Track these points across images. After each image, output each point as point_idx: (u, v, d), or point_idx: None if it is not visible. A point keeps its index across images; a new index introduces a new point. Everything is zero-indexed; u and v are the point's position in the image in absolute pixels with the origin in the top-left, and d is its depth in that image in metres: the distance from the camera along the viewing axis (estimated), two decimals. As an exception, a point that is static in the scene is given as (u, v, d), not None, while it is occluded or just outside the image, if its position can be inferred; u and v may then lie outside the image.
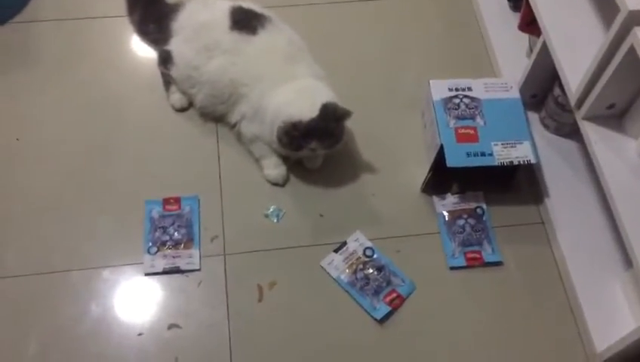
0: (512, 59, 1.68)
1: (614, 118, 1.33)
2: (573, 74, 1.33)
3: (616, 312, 1.35)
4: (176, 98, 1.62)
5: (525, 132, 1.47)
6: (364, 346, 1.35)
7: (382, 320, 1.37)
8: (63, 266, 1.41)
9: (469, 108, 1.49)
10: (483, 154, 1.43)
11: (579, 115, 1.34)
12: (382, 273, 1.42)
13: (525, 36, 1.66)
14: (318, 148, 1.43)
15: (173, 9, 1.63)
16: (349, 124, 1.48)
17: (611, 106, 1.31)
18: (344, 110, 1.42)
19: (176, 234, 1.45)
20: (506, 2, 1.79)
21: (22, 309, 1.36)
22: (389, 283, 1.41)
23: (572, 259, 1.44)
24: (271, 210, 1.49)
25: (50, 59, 1.71)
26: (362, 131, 1.61)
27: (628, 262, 1.31)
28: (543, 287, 1.44)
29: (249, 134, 1.53)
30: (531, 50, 1.62)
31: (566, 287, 1.43)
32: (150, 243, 1.43)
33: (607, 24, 1.23)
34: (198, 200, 1.50)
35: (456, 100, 1.51)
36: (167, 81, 1.63)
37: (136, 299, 1.39)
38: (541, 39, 1.44)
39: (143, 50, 1.74)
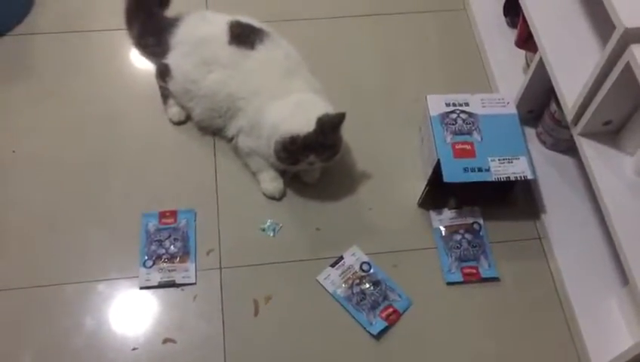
0: (509, 75, 1.69)
1: (611, 134, 1.34)
2: (570, 90, 1.33)
3: (613, 328, 1.35)
4: (174, 111, 1.62)
5: (522, 147, 1.47)
6: (361, 362, 1.35)
7: (378, 336, 1.36)
8: (58, 279, 1.40)
9: (466, 124, 1.50)
10: (480, 170, 1.43)
11: (575, 131, 1.35)
12: (378, 288, 1.41)
13: (522, 52, 1.67)
14: (316, 161, 1.43)
15: (172, 23, 1.64)
16: (346, 138, 1.48)
17: (608, 123, 1.31)
18: (338, 115, 1.41)
19: (172, 247, 1.44)
20: (503, 18, 1.80)
21: (16, 322, 1.35)
22: (385, 298, 1.40)
23: (569, 275, 1.43)
24: (267, 223, 1.49)
25: (48, 71, 1.71)
26: (359, 145, 1.61)
27: (625, 278, 1.31)
28: (539, 303, 1.43)
29: (246, 148, 1.53)
30: (528, 66, 1.63)
31: (563, 303, 1.43)
32: (146, 257, 1.43)
33: (604, 41, 1.23)
34: (195, 214, 1.49)
35: (454, 116, 1.51)
36: (165, 95, 1.63)
37: (131, 312, 1.38)
38: (537, 55, 1.45)
39: (141, 63, 1.74)
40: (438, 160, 1.44)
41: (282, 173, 1.54)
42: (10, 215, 1.48)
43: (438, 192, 1.50)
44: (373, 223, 1.51)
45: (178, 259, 1.43)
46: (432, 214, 1.52)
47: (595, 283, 1.41)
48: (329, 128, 1.41)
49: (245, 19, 1.58)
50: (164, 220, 1.48)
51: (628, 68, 1.15)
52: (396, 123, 1.67)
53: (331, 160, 1.46)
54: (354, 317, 1.38)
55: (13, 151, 1.57)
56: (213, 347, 1.34)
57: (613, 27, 1.15)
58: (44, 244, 1.44)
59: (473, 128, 1.49)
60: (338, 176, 1.57)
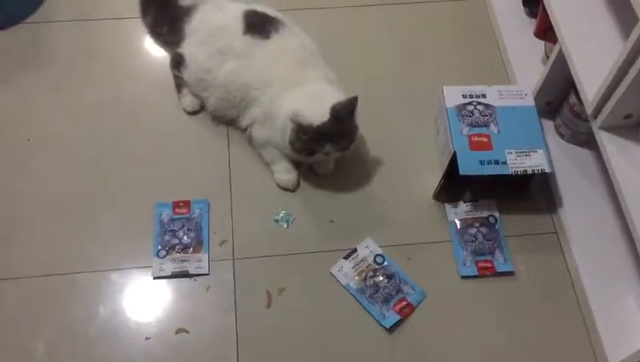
0: (528, 66, 1.66)
1: (631, 128, 1.31)
2: (590, 83, 1.31)
3: (630, 324, 1.34)
4: (188, 101, 1.62)
5: (540, 140, 1.45)
6: (373, 355, 1.34)
7: (391, 329, 1.35)
8: (72, 268, 1.40)
9: (483, 116, 1.48)
10: (496, 163, 1.41)
11: (595, 125, 1.32)
12: (392, 281, 1.40)
13: (541, 43, 1.64)
14: (331, 151, 1.42)
15: (187, 12, 1.63)
16: (360, 129, 1.47)
17: (628, 116, 1.29)
18: (350, 100, 1.39)
19: (185, 237, 1.44)
20: (522, 8, 1.77)
21: (30, 310, 1.36)
22: (398, 291, 1.39)
23: (585, 270, 1.42)
24: (281, 215, 1.49)
25: (62, 59, 1.71)
26: (374, 137, 1.60)
27: (643, 274, 1.29)
28: (555, 298, 1.42)
29: (260, 139, 1.52)
30: (547, 57, 1.60)
31: (579, 298, 1.41)
32: (159, 247, 1.43)
33: (626, 33, 1.21)
34: (208, 204, 1.49)
35: (470, 107, 1.49)
36: (179, 84, 1.63)
37: (144, 302, 1.38)
38: (557, 47, 1.42)
39: (155, 52, 1.73)
40: (454, 152, 1.42)
41: (297, 165, 1.53)
42: (24, 203, 1.49)
43: (454, 185, 1.48)
44: (388, 215, 1.50)
45: (191, 249, 1.43)
46: (447, 207, 1.51)
47: (612, 279, 1.39)
48: (343, 115, 1.39)
49: (261, 7, 1.57)
50: (177, 210, 1.47)
51: (651, 61, 1.12)
52: (412, 114, 1.65)
53: (347, 149, 1.45)
54: (367, 310, 1.37)
55: (28, 140, 1.57)
56: (225, 337, 1.34)
57: (636, 19, 1.12)
58: (58, 233, 1.45)
59: (490, 120, 1.47)
60: (352, 168, 1.56)
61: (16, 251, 1.43)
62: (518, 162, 1.42)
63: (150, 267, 1.41)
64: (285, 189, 1.52)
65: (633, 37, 1.14)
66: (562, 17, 1.40)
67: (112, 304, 1.37)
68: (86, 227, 1.46)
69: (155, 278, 1.40)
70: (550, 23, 1.43)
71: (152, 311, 1.37)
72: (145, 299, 1.39)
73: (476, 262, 1.43)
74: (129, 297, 1.39)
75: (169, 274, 1.40)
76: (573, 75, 1.36)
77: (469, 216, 1.49)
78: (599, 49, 1.33)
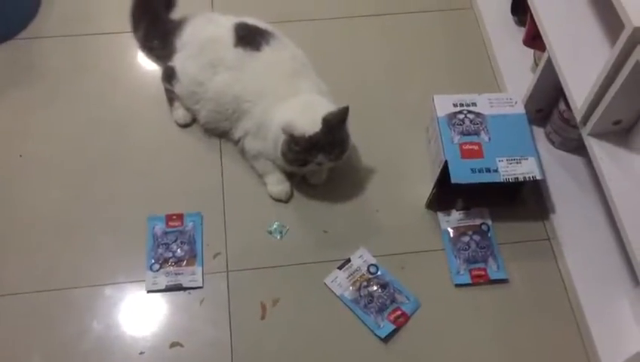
0: (517, 74, 1.67)
1: (621, 134, 1.32)
2: (579, 90, 1.32)
3: (624, 330, 1.34)
4: (180, 114, 1.62)
5: (530, 147, 1.46)
6: (368, 365, 1.34)
7: (386, 339, 1.35)
8: (65, 284, 1.40)
9: (474, 124, 1.48)
10: (488, 171, 1.42)
11: (584, 131, 1.33)
12: (386, 290, 1.40)
13: (530, 51, 1.66)
14: (324, 161, 1.42)
15: (178, 25, 1.64)
16: (352, 139, 1.47)
17: (617, 122, 1.30)
18: (341, 110, 1.40)
19: (178, 250, 1.44)
20: (511, 17, 1.79)
21: (24, 327, 1.35)
22: (393, 300, 1.39)
23: (579, 276, 1.42)
24: (274, 226, 1.49)
25: (54, 75, 1.71)
26: (366, 147, 1.60)
27: (636, 278, 1.29)
28: (549, 305, 1.42)
29: (252, 150, 1.53)
30: (536, 64, 1.61)
31: (573, 305, 1.41)
32: (153, 260, 1.43)
33: (613, 40, 1.22)
34: (201, 217, 1.49)
35: (461, 116, 1.50)
36: (171, 97, 1.63)
37: (138, 316, 1.38)
38: (546, 54, 1.43)
39: (147, 66, 1.74)
40: (446, 161, 1.43)
41: (290, 176, 1.53)
42: (17, 219, 1.48)
43: (446, 193, 1.48)
44: (381, 225, 1.51)
45: (185, 262, 1.43)
46: (440, 215, 1.51)
47: (605, 285, 1.40)
48: (335, 125, 1.39)
49: (251, 20, 1.57)
50: (170, 223, 1.47)
51: (637, 67, 1.13)
52: (403, 123, 1.66)
53: (340, 159, 1.45)
54: (362, 320, 1.37)
55: (20, 156, 1.57)
56: (220, 351, 1.33)
57: (622, 26, 1.13)
58: (51, 248, 1.45)
59: (481, 128, 1.48)
60: (345, 178, 1.56)
61: (9, 267, 1.42)
62: (509, 170, 1.42)
63: (144, 281, 1.41)
64: (278, 200, 1.52)
65: (620, 43, 1.15)
66: (550, 25, 1.41)
67: (106, 318, 1.37)
68: (79, 242, 1.46)
69: (148, 292, 1.40)
70: (538, 31, 1.45)
71: (146, 325, 1.37)
72: (139, 313, 1.38)
73: (470, 270, 1.43)
74: (123, 311, 1.38)
75: (163, 287, 1.40)
76: (561, 82, 1.37)
77: (462, 225, 1.49)
78: (587, 56, 1.34)
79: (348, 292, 1.40)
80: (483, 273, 1.43)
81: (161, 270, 1.41)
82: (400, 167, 1.59)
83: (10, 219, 1.48)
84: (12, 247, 1.45)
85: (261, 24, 1.57)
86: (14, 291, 1.39)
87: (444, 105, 1.52)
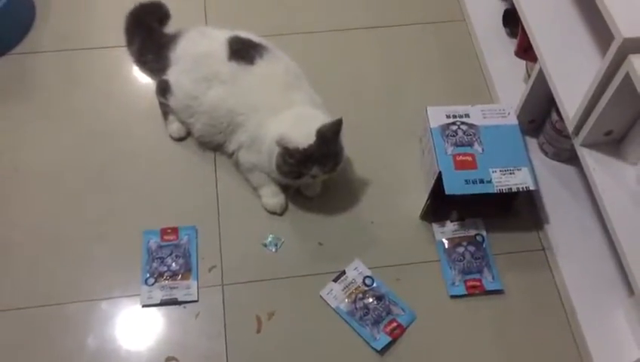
0: (510, 85, 1.68)
1: (612, 144, 1.33)
2: (570, 101, 1.33)
3: (619, 339, 1.34)
4: (175, 128, 1.62)
5: (524, 158, 1.47)
6: (365, 377, 1.34)
7: (382, 351, 1.35)
8: (60, 299, 1.39)
9: (467, 135, 1.49)
10: (482, 181, 1.43)
11: (577, 142, 1.34)
12: (382, 302, 1.40)
13: (522, 62, 1.67)
14: (318, 173, 1.42)
15: (172, 39, 1.64)
16: (347, 151, 1.48)
17: (609, 133, 1.30)
18: (335, 122, 1.40)
19: (174, 264, 1.44)
20: (503, 29, 1.80)
21: (18, 343, 1.35)
22: (389, 312, 1.39)
23: (574, 286, 1.42)
24: (269, 239, 1.49)
25: (48, 89, 1.71)
26: (360, 158, 1.61)
27: (631, 287, 1.30)
28: (545, 315, 1.42)
29: (247, 163, 1.53)
30: (528, 75, 1.62)
31: (568, 314, 1.41)
32: (148, 275, 1.42)
33: (603, 51, 1.23)
34: (196, 230, 1.49)
35: (454, 127, 1.51)
36: (166, 111, 1.63)
37: (133, 331, 1.37)
38: (537, 66, 1.44)
39: (141, 80, 1.74)
40: (439, 172, 1.43)
41: (285, 188, 1.54)
42: (12, 233, 1.48)
43: (440, 204, 1.49)
44: (376, 237, 1.51)
45: (180, 276, 1.42)
46: (435, 227, 1.51)
47: (600, 294, 1.40)
48: (329, 137, 1.40)
49: (244, 34, 1.58)
50: (165, 237, 1.47)
51: (627, 78, 1.14)
52: (397, 135, 1.66)
53: (334, 170, 1.45)
54: (357, 332, 1.37)
55: (15, 170, 1.57)
56: (216, 364, 1.33)
57: (612, 37, 1.14)
58: (46, 263, 1.44)
59: (474, 139, 1.49)
60: (340, 190, 1.56)
61: (4, 282, 1.42)
62: (502, 180, 1.43)
63: (139, 295, 1.40)
64: (273, 213, 1.53)
65: (610, 55, 1.16)
66: (541, 37, 1.42)
67: (101, 333, 1.36)
68: (74, 256, 1.45)
69: (143, 306, 1.39)
70: (530, 42, 1.46)
71: (142, 339, 1.36)
72: (134, 327, 1.38)
73: (465, 281, 1.44)
74: (118, 326, 1.38)
75: (158, 301, 1.39)
76: (553, 93, 1.38)
77: (457, 236, 1.50)
78: (578, 67, 1.35)
79: (343, 305, 1.40)
80: (478, 284, 1.43)
81: (156, 284, 1.41)
82: (394, 178, 1.60)
83: (5, 233, 1.48)
84: (6, 262, 1.44)
85: (254, 37, 1.58)
86: (10, 306, 1.38)
87: (437, 116, 1.52)
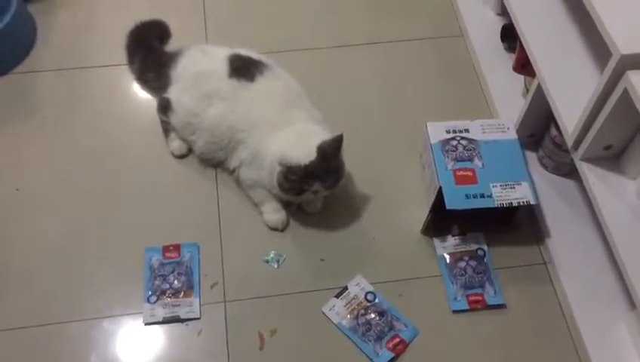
0: (509, 100, 1.69)
1: (612, 158, 1.34)
2: (569, 116, 1.34)
3: (622, 353, 1.34)
4: (176, 145, 1.63)
5: (524, 173, 1.47)
6: (368, 394, 1.33)
7: (385, 367, 1.35)
8: (62, 317, 1.39)
9: (467, 150, 1.50)
10: (482, 196, 1.43)
11: (576, 156, 1.35)
12: (384, 318, 1.40)
13: (521, 77, 1.68)
14: (320, 189, 1.43)
15: (173, 57, 1.65)
16: (347, 167, 1.49)
17: (608, 147, 1.31)
18: (336, 138, 1.41)
19: (176, 282, 1.44)
20: (501, 44, 1.82)
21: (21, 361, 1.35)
22: (391, 328, 1.39)
23: (575, 299, 1.42)
24: (271, 255, 1.49)
25: (50, 108, 1.72)
26: (361, 174, 1.61)
27: (632, 301, 1.30)
28: (547, 329, 1.42)
29: (248, 180, 1.54)
30: (527, 90, 1.63)
31: (570, 328, 1.41)
32: (150, 292, 1.42)
33: (601, 66, 1.24)
34: (198, 247, 1.49)
35: (454, 142, 1.51)
36: (167, 128, 1.64)
37: (135, 349, 1.37)
38: (536, 81, 1.45)
39: (143, 98, 1.75)
40: (440, 187, 1.44)
41: (286, 205, 1.54)
42: (14, 253, 1.48)
43: (441, 219, 1.49)
44: (377, 252, 1.51)
45: (182, 293, 1.42)
46: (436, 241, 1.52)
47: (602, 308, 1.40)
48: (330, 153, 1.41)
49: (245, 51, 1.60)
50: (167, 254, 1.47)
51: (625, 94, 1.15)
52: (397, 150, 1.67)
53: (335, 186, 1.46)
54: (360, 349, 1.37)
55: (17, 190, 1.57)
56: (219, 382, 1.33)
57: (610, 53, 1.15)
58: (48, 282, 1.44)
59: (474, 154, 1.50)
60: (341, 206, 1.57)
61: (6, 301, 1.42)
62: (503, 195, 1.43)
63: (141, 313, 1.40)
64: (275, 229, 1.53)
65: (608, 70, 1.17)
66: (539, 52, 1.43)
67: (104, 352, 1.36)
68: (76, 275, 1.45)
69: (146, 324, 1.39)
70: (528, 57, 1.47)
71: (144, 357, 1.36)
72: (136, 345, 1.38)
73: (467, 296, 1.44)
74: (120, 344, 1.37)
75: (160, 319, 1.39)
76: (552, 108, 1.39)
77: (458, 250, 1.50)
78: (577, 82, 1.36)
79: (346, 321, 1.40)
80: (480, 298, 1.44)
81: (159, 302, 1.41)
82: (395, 193, 1.60)
83: (7, 253, 1.48)
84: (8, 281, 1.44)
85: (255, 55, 1.59)
86: (10, 326, 1.38)
87: (437, 131, 1.53)
